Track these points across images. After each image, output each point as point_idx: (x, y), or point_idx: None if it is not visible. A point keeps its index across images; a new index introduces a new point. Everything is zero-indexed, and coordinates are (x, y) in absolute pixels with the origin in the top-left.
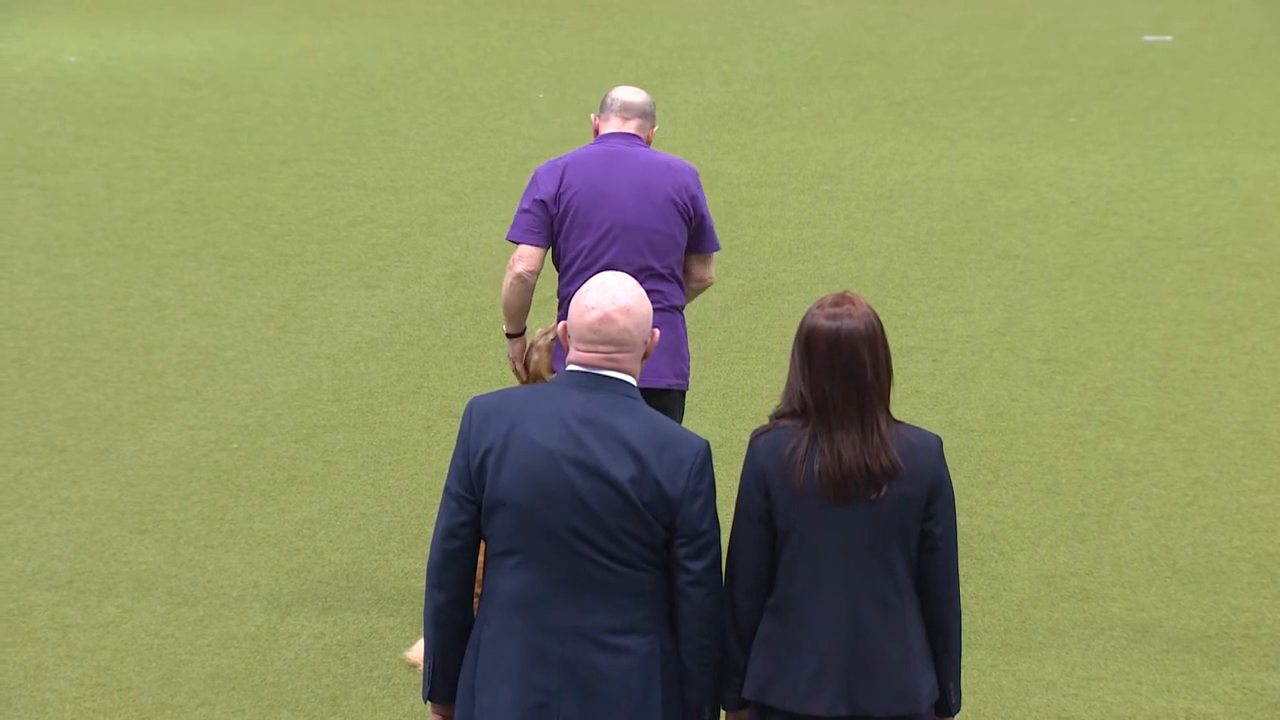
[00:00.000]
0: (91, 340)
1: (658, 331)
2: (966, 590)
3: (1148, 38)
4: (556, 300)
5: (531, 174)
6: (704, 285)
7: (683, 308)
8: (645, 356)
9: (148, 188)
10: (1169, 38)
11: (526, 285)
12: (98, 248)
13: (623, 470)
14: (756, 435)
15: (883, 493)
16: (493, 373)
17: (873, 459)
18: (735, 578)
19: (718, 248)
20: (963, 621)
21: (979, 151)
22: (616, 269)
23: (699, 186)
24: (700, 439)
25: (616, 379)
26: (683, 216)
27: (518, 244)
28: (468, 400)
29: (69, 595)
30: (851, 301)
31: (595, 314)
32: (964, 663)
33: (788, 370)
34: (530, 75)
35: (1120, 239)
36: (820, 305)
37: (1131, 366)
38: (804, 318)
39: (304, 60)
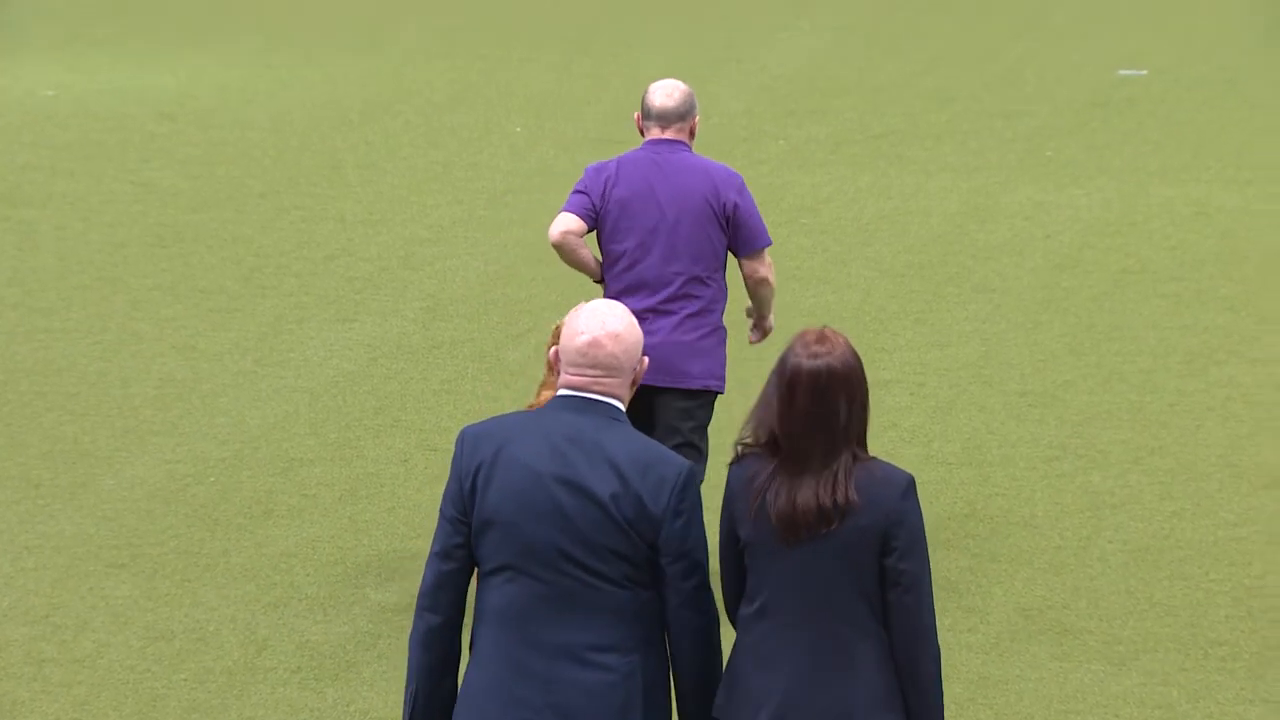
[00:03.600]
0: (68, 374)
1: (646, 359)
2: (943, 623)
3: (1123, 72)
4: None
5: (578, 174)
6: (760, 282)
7: (721, 311)
8: (634, 384)
9: (125, 221)
10: (1144, 72)
11: (563, 250)
12: (74, 281)
13: (607, 488)
14: (730, 464)
15: (833, 527)
16: (470, 406)
17: (825, 496)
18: (723, 592)
19: (765, 244)
20: (941, 661)
21: (956, 185)
22: (656, 273)
23: (740, 191)
24: (684, 459)
25: (604, 403)
26: (719, 221)
27: (558, 214)
28: (460, 430)
29: (45, 630)
30: (831, 341)
31: (584, 339)
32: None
33: (758, 398)
34: (508, 108)
35: (1097, 272)
36: (804, 344)
37: (1108, 400)
38: (785, 354)
39: (282, 93)
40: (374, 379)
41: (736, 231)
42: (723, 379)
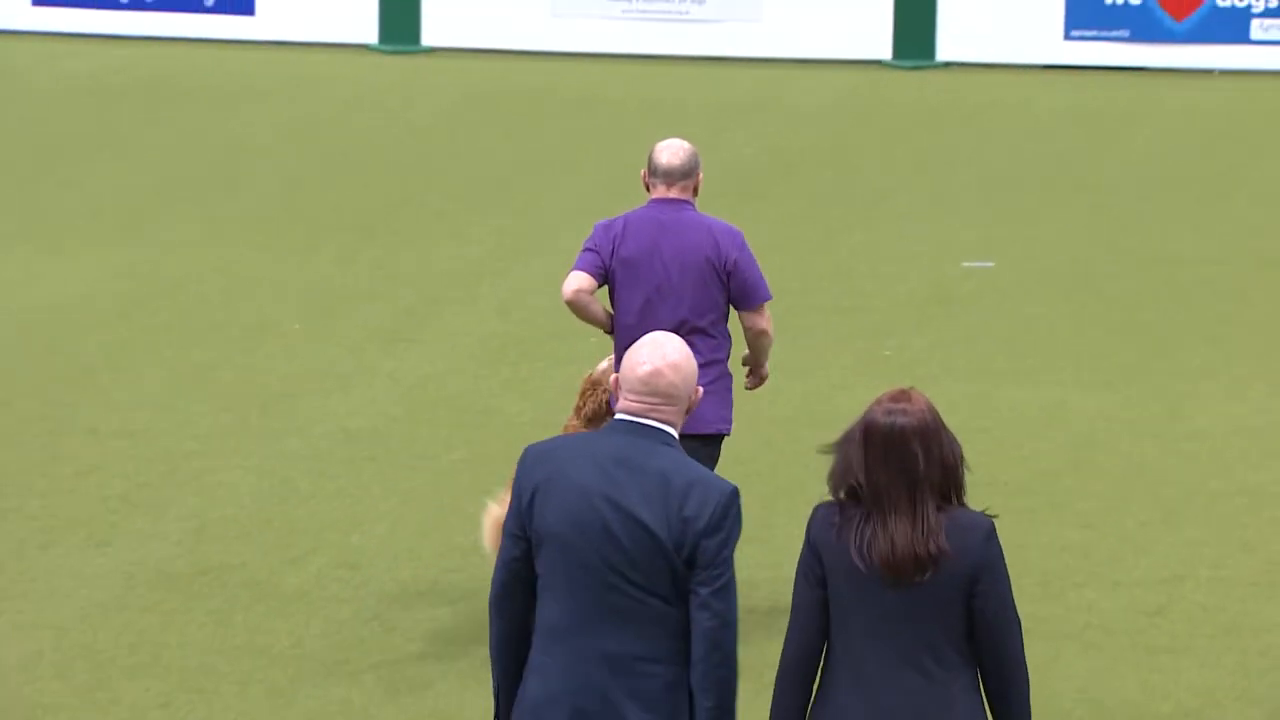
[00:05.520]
0: None
1: (701, 389)
2: None
3: (968, 263)
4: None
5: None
6: (759, 334)
7: (725, 359)
8: (689, 410)
9: None
10: (990, 264)
11: (575, 307)
12: None
13: (651, 509)
14: (817, 508)
15: (927, 576)
16: (240, 639)
17: (921, 545)
18: (788, 637)
19: (764, 299)
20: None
21: (788, 387)
22: (664, 325)
23: (740, 248)
24: (728, 483)
25: (657, 428)
26: (720, 277)
27: (569, 272)
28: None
29: None
30: (909, 398)
31: (646, 368)
32: None
33: (837, 454)
34: (285, 303)
35: None
36: (879, 401)
37: None
38: (865, 412)
39: (27, 290)
40: (130, 611)
41: (736, 286)
42: (730, 421)
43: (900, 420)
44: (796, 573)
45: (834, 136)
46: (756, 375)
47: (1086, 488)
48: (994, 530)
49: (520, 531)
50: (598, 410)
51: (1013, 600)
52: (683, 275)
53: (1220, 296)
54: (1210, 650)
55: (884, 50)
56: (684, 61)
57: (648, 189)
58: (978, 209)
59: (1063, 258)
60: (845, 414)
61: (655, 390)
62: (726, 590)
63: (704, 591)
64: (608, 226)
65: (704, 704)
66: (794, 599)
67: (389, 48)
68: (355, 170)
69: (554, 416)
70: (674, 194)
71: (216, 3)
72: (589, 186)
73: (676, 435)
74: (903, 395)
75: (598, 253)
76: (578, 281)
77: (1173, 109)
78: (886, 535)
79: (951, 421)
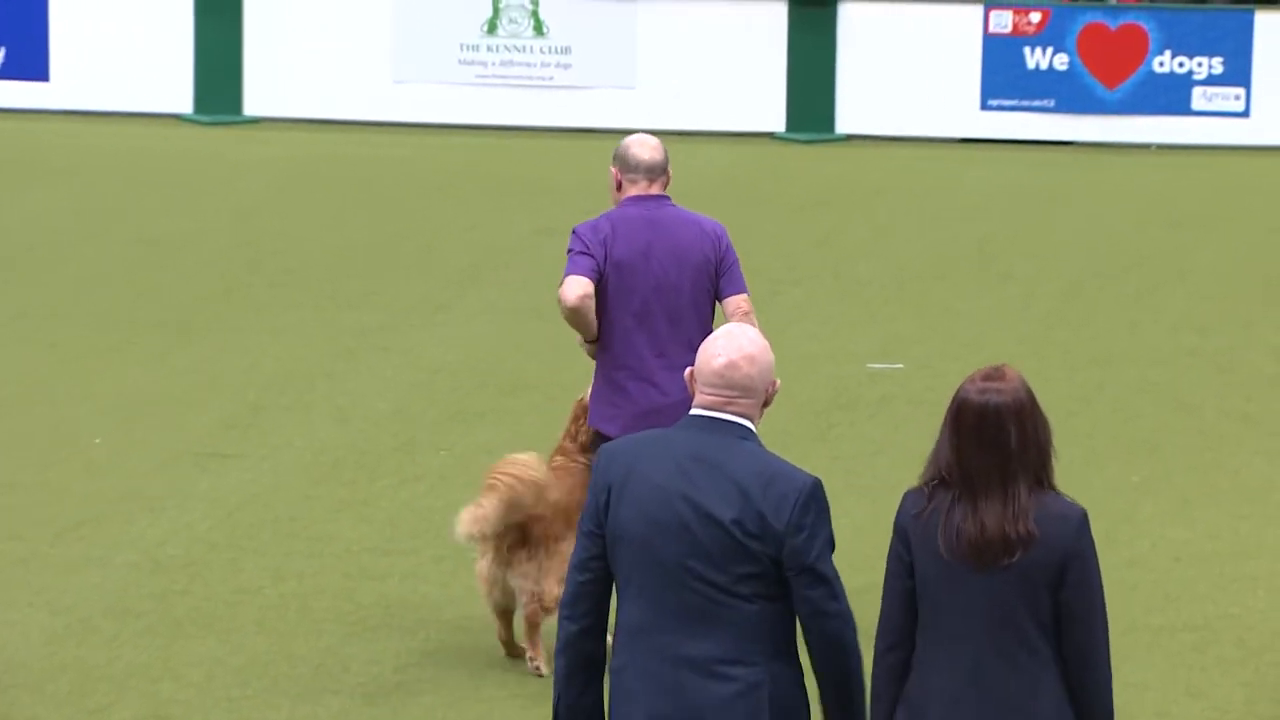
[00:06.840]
0: None
1: (778, 381)
2: None
3: (874, 365)
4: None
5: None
6: (743, 316)
7: None
8: (767, 404)
9: None
10: (900, 365)
11: (579, 314)
12: None
13: (728, 507)
14: (905, 494)
15: (1015, 558)
16: None
17: (1010, 526)
18: (880, 628)
19: (745, 290)
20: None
21: None
22: (662, 332)
23: (729, 242)
24: (808, 475)
25: (734, 422)
26: (713, 273)
27: (566, 277)
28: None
29: None
30: (1003, 376)
31: (721, 360)
32: None
33: (937, 439)
34: (87, 413)
35: None
36: (972, 380)
37: None
38: (957, 391)
39: None
40: None
41: (723, 278)
42: None
43: (995, 399)
44: (887, 563)
45: (720, 218)
46: None
47: None
48: (1086, 520)
49: (598, 529)
50: (592, 438)
51: (1102, 595)
52: (680, 272)
53: (1161, 403)
54: None
55: (776, 122)
56: (548, 133)
57: (619, 188)
58: (885, 302)
59: (982, 358)
60: None
61: (731, 383)
62: (832, 589)
63: (814, 595)
64: (595, 228)
65: (837, 698)
66: (884, 590)
67: (206, 118)
68: (167, 258)
69: (399, 543)
70: (655, 190)
71: (4, 66)
72: (439, 274)
73: (754, 429)
74: (996, 373)
75: (592, 256)
76: (583, 286)
77: (1105, 188)
78: (976, 518)
79: (858, 546)
